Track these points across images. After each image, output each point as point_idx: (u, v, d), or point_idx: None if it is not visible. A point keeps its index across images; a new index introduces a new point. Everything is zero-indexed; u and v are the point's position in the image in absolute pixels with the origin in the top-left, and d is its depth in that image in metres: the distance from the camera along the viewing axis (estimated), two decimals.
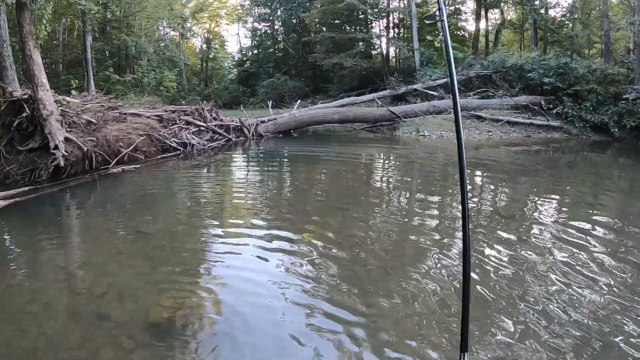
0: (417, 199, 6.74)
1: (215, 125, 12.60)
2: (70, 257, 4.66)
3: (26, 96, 8.25)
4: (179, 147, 10.87)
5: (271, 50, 33.21)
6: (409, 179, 8.67)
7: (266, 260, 4.20)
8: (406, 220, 5.61)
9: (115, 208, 6.56)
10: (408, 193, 7.28)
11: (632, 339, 2.86)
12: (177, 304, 3.37)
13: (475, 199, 6.73)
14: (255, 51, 33.80)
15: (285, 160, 10.92)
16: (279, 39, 32.56)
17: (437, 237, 4.77)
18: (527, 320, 3.09)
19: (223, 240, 4.88)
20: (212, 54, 36.29)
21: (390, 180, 8.65)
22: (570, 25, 20.95)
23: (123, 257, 4.46)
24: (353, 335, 2.97)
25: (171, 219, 5.87)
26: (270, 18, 32.73)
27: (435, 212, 5.98)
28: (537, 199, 6.75)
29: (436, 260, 4.15)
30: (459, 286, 3.54)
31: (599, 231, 4.97)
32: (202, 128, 12.16)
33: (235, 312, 3.30)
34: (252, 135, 13.21)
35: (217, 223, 5.62)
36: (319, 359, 2.75)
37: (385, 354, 2.78)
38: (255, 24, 34.16)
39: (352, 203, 6.45)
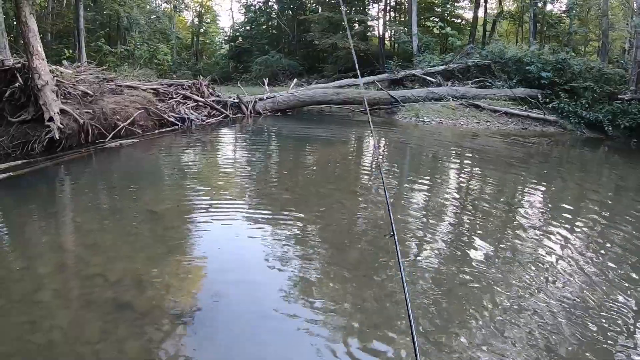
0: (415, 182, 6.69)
1: (212, 101, 12.30)
2: (75, 239, 4.45)
3: (19, 65, 7.81)
4: (176, 122, 10.58)
5: (264, 27, 32.35)
6: (416, 163, 8.59)
7: (276, 240, 4.27)
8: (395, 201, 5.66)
9: (117, 185, 6.31)
10: (411, 179, 7.20)
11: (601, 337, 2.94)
12: (202, 290, 3.29)
13: (469, 187, 6.82)
14: (248, 27, 32.81)
15: (287, 139, 10.74)
16: (272, 16, 31.73)
17: (422, 219, 4.95)
18: (504, 313, 3.14)
19: (234, 220, 4.79)
20: (204, 28, 35.27)
21: (395, 163, 8.50)
22: (569, 21, 20.91)
23: (133, 238, 4.27)
24: (332, 307, 3.12)
25: (177, 197, 5.65)
26: None
27: (425, 195, 6.08)
28: (525, 189, 6.89)
29: (419, 243, 4.29)
30: (446, 271, 3.57)
31: (584, 224, 5.14)
32: (200, 103, 11.84)
33: (264, 301, 3.22)
34: (250, 112, 12.97)
35: (225, 202, 5.42)
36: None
37: (356, 336, 2.85)
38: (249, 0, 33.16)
39: (359, 185, 6.44)
